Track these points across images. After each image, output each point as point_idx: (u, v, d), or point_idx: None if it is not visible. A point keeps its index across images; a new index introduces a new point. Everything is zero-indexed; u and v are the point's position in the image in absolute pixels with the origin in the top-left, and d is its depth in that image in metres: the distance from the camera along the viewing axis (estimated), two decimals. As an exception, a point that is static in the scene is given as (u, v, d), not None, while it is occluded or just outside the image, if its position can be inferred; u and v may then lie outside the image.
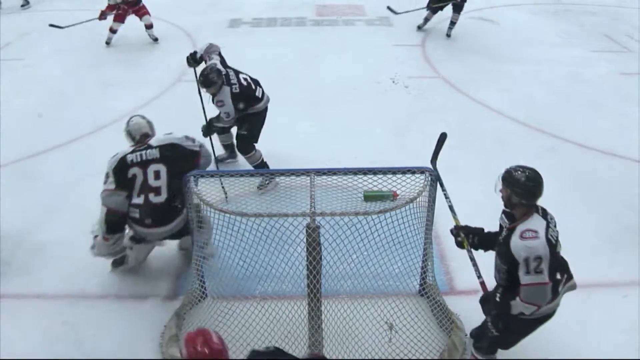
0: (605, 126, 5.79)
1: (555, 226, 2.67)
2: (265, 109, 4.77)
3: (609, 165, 5.12)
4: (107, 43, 8.00)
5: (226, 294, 3.39)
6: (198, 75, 4.50)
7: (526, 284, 2.54)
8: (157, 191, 3.45)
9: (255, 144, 4.74)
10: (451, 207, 3.19)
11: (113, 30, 7.95)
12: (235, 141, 4.83)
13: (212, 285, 3.50)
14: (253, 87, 4.68)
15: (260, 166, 4.72)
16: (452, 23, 8.12)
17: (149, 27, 8.05)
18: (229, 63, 4.71)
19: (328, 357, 3.05)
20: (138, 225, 3.52)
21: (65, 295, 3.66)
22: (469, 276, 3.62)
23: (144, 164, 3.45)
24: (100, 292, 3.70)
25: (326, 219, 2.97)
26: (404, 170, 3.14)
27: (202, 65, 4.61)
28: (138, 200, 3.45)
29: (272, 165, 4.72)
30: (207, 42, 4.80)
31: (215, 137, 4.84)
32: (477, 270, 3.04)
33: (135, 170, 3.44)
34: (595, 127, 5.77)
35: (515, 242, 2.56)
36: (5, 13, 9.40)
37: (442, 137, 3.31)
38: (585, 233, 4.20)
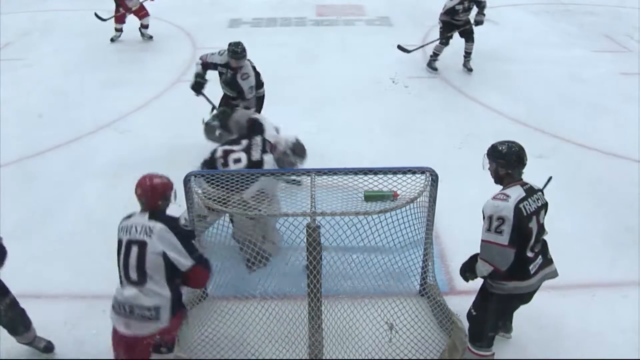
0: (605, 126, 5.79)
1: (538, 202, 2.72)
2: (263, 97, 5.04)
3: (609, 165, 5.12)
4: (112, 40, 8.14)
5: (226, 294, 3.39)
6: (229, 48, 4.72)
7: (485, 240, 2.66)
8: None
9: None
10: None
11: (118, 29, 8.12)
12: None
13: (212, 285, 3.50)
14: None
15: None
16: (468, 54, 7.06)
17: (145, 27, 8.14)
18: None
19: (328, 357, 3.05)
20: None
21: (65, 295, 3.66)
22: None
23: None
24: (100, 292, 3.68)
25: (326, 219, 2.97)
26: (404, 170, 3.14)
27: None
28: None
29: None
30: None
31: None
32: None
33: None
34: (595, 127, 5.76)
35: (487, 201, 2.69)
36: (5, 13, 9.39)
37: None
38: (585, 233, 4.20)
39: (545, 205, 2.77)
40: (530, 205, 2.67)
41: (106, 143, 5.44)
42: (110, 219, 4.13)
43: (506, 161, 2.74)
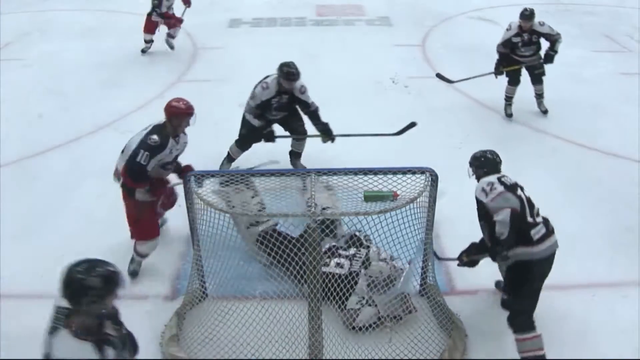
0: (605, 126, 5.79)
1: (512, 180, 3.12)
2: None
3: (609, 165, 5.12)
4: (143, 52, 7.80)
5: (226, 294, 3.39)
6: (282, 70, 4.46)
7: (491, 199, 2.98)
8: None
9: None
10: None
11: (148, 41, 7.75)
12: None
13: (212, 285, 3.50)
14: None
15: None
16: (539, 96, 6.07)
17: (171, 36, 7.79)
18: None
19: (328, 357, 3.05)
20: None
21: (66, 295, 3.65)
22: (469, 276, 3.63)
23: None
24: (100, 292, 3.70)
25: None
26: (404, 171, 3.14)
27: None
28: None
29: (273, 166, 4.72)
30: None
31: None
32: None
33: None
34: (595, 127, 5.77)
35: (475, 189, 3.10)
36: (5, 13, 9.40)
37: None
38: (586, 233, 4.20)
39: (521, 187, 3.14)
40: (508, 179, 3.11)
41: (106, 143, 5.42)
42: (110, 219, 4.16)
43: (480, 162, 3.22)
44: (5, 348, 3.22)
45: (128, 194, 3.63)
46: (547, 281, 3.08)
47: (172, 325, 3.34)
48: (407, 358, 3.15)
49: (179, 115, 3.54)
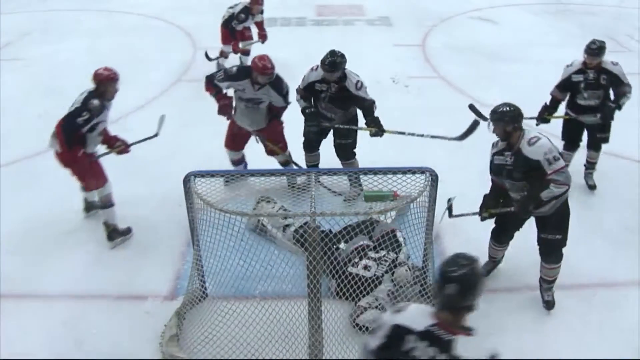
0: (605, 126, 5.78)
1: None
2: None
3: (609, 166, 5.11)
4: (210, 59, 6.98)
5: (226, 294, 3.39)
6: (323, 59, 4.31)
7: (554, 171, 3.11)
8: None
9: None
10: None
11: (225, 55, 7.10)
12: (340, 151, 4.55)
13: (212, 285, 3.50)
14: None
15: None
16: (590, 164, 4.80)
17: (245, 53, 7.11)
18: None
19: (328, 357, 3.05)
20: None
21: (65, 295, 3.66)
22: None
23: None
24: (100, 292, 3.70)
25: (326, 219, 2.97)
26: (405, 171, 3.14)
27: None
28: None
29: (273, 166, 4.72)
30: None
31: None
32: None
33: None
34: (595, 127, 5.75)
35: (528, 149, 3.17)
36: (5, 13, 9.40)
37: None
38: (586, 233, 4.19)
39: None
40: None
41: (106, 143, 5.43)
42: (110, 219, 4.16)
43: (510, 117, 3.28)
44: (5, 348, 3.23)
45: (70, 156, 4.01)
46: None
47: (172, 325, 3.34)
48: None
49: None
